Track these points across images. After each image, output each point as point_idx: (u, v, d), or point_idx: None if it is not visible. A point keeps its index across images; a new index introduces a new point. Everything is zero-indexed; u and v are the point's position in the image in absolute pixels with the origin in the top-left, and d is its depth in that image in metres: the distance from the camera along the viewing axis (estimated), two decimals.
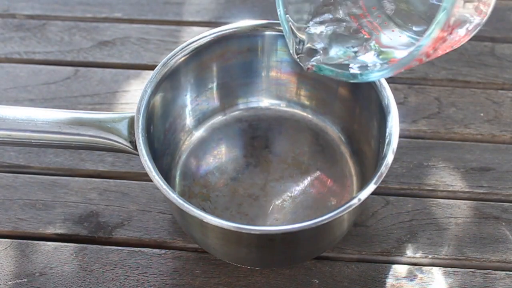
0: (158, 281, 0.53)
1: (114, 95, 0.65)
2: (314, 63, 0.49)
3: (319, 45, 0.49)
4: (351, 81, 0.48)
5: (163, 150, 0.55)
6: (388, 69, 0.45)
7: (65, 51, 0.68)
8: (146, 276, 0.53)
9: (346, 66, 0.49)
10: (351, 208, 0.45)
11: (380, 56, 0.48)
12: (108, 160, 0.60)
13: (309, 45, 0.50)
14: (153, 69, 0.53)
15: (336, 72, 0.48)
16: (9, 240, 0.55)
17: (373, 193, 0.46)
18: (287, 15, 0.50)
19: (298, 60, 0.50)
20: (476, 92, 0.65)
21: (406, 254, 0.55)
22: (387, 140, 0.49)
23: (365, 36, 0.50)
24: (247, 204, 0.55)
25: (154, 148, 0.51)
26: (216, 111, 0.60)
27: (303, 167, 0.57)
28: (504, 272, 0.54)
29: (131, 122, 0.50)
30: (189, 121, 0.58)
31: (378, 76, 0.46)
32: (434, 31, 0.40)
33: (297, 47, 0.50)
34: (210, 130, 0.59)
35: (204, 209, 0.54)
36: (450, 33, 0.41)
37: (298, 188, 0.56)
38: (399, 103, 0.55)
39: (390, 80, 0.51)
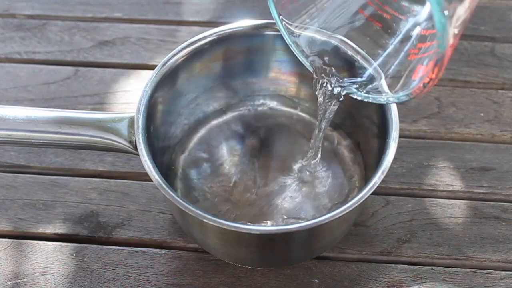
0: (159, 281, 0.53)
1: (114, 95, 0.65)
2: (349, 91, 0.48)
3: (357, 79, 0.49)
4: (384, 102, 0.47)
5: (163, 150, 0.55)
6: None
7: (65, 51, 0.68)
8: (147, 276, 0.53)
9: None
10: (351, 208, 0.45)
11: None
12: (108, 160, 0.60)
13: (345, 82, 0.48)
14: (153, 69, 0.53)
15: (372, 97, 0.48)
16: (9, 240, 0.55)
17: (373, 193, 0.46)
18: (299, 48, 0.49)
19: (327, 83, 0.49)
20: (476, 92, 0.65)
21: (406, 254, 0.55)
22: (387, 140, 0.49)
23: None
24: (247, 204, 0.55)
25: (154, 148, 0.51)
26: (216, 111, 0.59)
27: (303, 167, 0.57)
28: (504, 272, 0.54)
29: (131, 122, 0.50)
30: (189, 121, 0.58)
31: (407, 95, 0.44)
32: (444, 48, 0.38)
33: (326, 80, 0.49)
34: (210, 130, 0.59)
35: (204, 209, 0.54)
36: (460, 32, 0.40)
37: (298, 188, 0.56)
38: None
39: None
